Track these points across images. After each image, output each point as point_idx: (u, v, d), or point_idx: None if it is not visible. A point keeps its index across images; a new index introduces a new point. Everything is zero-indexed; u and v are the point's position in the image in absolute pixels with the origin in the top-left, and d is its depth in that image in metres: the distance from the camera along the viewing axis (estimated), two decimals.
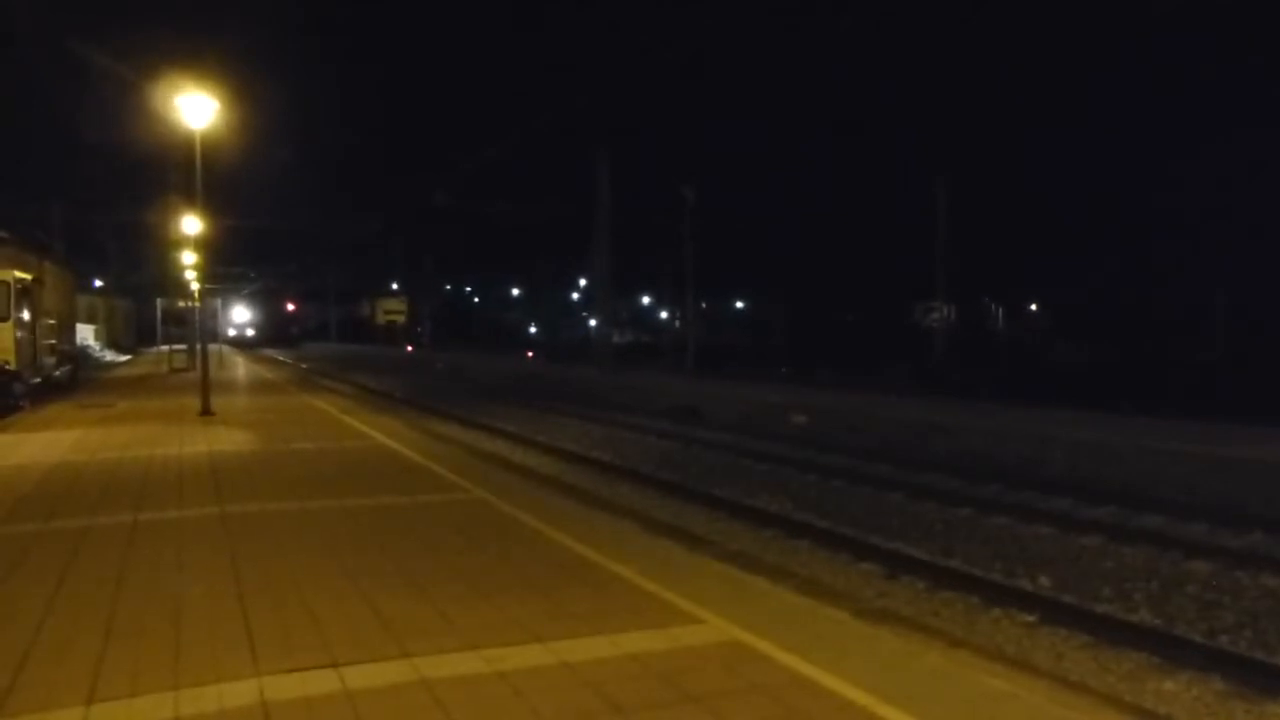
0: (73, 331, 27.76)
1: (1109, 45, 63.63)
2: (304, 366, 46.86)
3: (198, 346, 24.10)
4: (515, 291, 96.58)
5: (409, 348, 66.53)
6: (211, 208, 19.19)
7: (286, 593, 5.23)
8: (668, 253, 40.34)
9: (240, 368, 37.02)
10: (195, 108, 14.82)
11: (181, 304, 39.79)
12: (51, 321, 21.54)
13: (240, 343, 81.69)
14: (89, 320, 40.94)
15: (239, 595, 5.19)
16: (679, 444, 16.80)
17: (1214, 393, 23.37)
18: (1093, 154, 61.39)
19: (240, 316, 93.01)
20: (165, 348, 41.09)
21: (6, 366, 17.00)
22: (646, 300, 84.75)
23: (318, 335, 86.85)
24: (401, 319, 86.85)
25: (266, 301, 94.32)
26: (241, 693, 3.81)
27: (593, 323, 59.90)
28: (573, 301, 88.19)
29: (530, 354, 55.98)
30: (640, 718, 3.59)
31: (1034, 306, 62.85)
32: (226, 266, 62.97)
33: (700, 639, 4.49)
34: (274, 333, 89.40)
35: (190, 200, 18.18)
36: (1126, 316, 46.38)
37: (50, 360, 21.24)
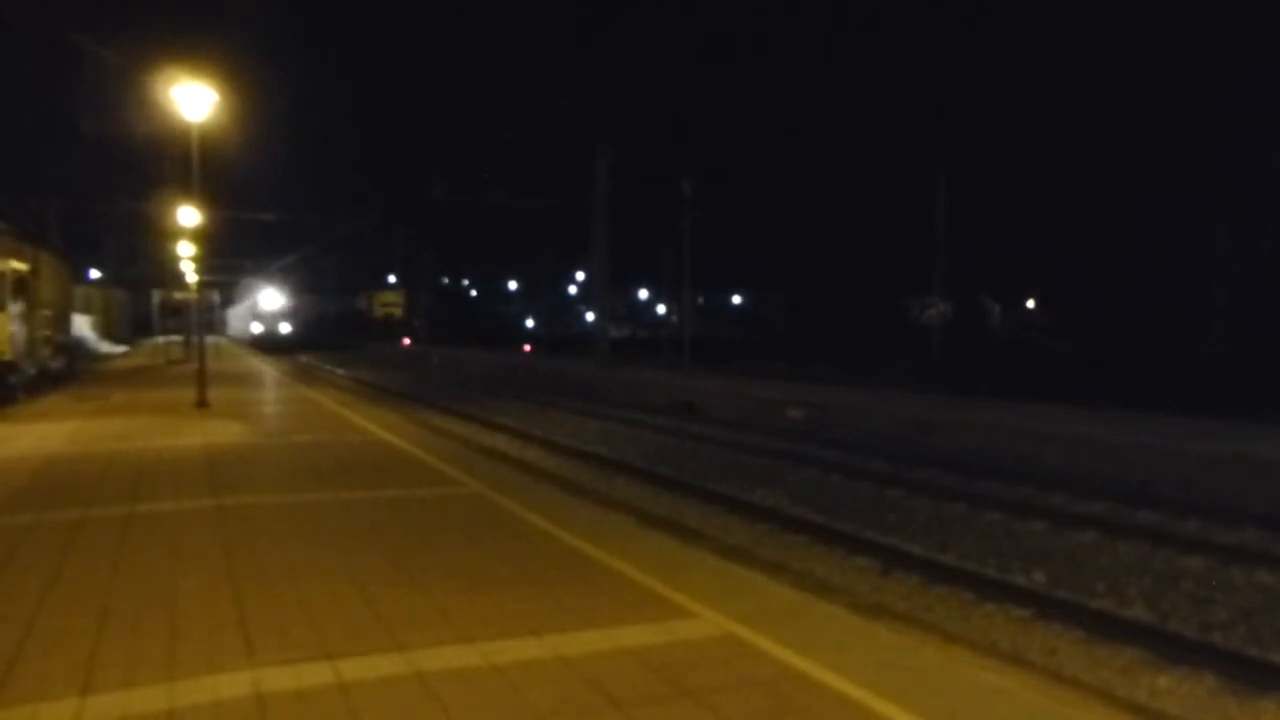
0: (69, 323, 27.67)
1: (1109, 43, 63.69)
2: (302, 360, 46.81)
3: (194, 339, 24.03)
4: (513, 285, 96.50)
5: (405, 341, 66.38)
6: (209, 199, 19.15)
7: (282, 585, 5.23)
8: (665, 248, 40.34)
9: (237, 360, 36.97)
10: (193, 99, 14.77)
11: (178, 296, 39.58)
12: (47, 313, 21.48)
13: (271, 343, 58.78)
14: (85, 312, 40.82)
15: (234, 587, 5.19)
16: (676, 439, 16.79)
17: (1213, 389, 23.37)
18: (1093, 152, 61.41)
19: (270, 303, 66.79)
20: (162, 340, 41.04)
21: (2, 358, 16.96)
22: (644, 295, 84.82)
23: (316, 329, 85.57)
24: (398, 312, 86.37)
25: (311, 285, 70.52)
26: (236, 684, 3.81)
27: (590, 317, 59.89)
28: (570, 296, 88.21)
29: (528, 348, 55.93)
30: (636, 712, 3.59)
31: (1030, 303, 62.95)
32: (225, 259, 62.58)
33: (696, 633, 4.49)
34: (318, 328, 67.17)
35: (187, 191, 18.10)
36: (1125, 313, 46.42)
37: (46, 352, 21.19)
